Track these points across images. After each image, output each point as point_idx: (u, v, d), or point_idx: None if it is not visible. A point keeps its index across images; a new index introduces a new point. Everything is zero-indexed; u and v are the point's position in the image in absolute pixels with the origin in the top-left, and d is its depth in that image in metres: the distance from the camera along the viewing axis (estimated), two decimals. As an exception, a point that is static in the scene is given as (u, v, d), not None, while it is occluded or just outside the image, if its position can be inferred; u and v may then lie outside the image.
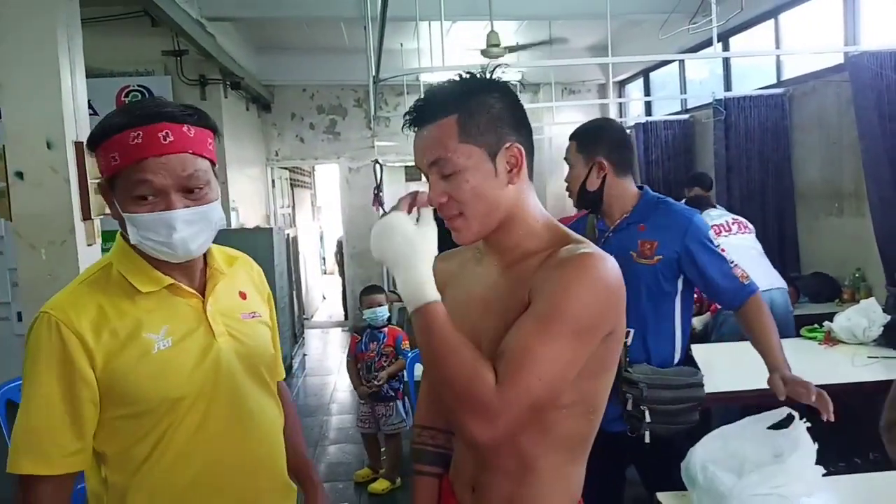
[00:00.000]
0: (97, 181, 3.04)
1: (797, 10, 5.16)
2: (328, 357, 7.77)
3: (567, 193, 2.28)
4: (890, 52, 3.83)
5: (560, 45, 7.51)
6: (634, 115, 8.27)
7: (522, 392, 1.04)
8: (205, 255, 1.34)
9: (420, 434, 1.43)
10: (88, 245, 3.04)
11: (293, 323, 7.49)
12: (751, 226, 4.17)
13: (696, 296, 2.33)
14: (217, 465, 1.29)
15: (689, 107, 6.83)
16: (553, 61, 7.54)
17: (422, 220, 1.14)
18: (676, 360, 2.17)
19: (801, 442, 1.64)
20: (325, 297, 11.75)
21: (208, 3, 5.50)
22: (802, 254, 5.08)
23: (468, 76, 1.19)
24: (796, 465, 1.61)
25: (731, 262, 2.16)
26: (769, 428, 1.73)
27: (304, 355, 7.70)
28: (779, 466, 1.61)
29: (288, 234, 7.57)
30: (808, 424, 1.67)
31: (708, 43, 4.13)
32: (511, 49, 6.47)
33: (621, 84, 8.66)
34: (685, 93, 7.01)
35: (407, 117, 1.19)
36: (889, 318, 3.35)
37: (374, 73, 4.54)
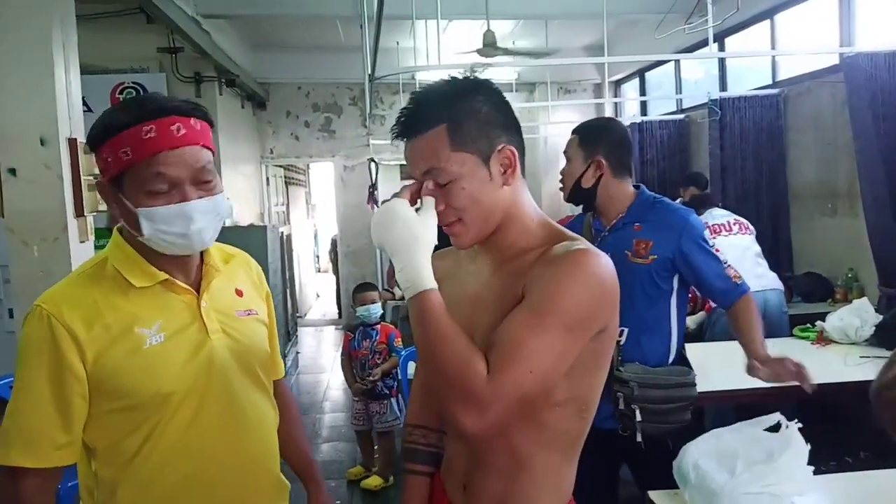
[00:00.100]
0: (90, 178, 3.06)
1: (793, 11, 5.18)
2: (322, 355, 7.77)
3: (559, 186, 2.28)
4: (885, 53, 3.84)
5: (556, 48, 7.51)
6: (630, 114, 8.28)
7: (513, 383, 1.04)
8: (201, 251, 1.34)
9: (412, 433, 1.43)
10: (81, 242, 3.03)
11: (287, 321, 7.48)
12: (752, 227, 4.19)
13: (689, 295, 2.33)
14: (209, 462, 1.29)
15: (684, 107, 6.84)
16: (549, 61, 7.54)
17: (423, 209, 1.14)
18: (671, 360, 2.18)
19: (792, 441, 1.64)
20: (318, 296, 11.74)
21: (204, 1, 5.48)
22: (796, 253, 5.10)
23: (451, 80, 1.19)
24: (788, 464, 1.61)
25: (725, 263, 2.18)
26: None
27: (298, 353, 7.69)
28: (770, 465, 1.61)
29: (282, 232, 7.57)
30: (800, 425, 1.68)
31: (704, 43, 4.13)
32: (507, 52, 6.45)
33: (617, 84, 8.67)
34: (681, 93, 7.02)
35: (395, 128, 1.18)
36: (881, 318, 3.37)
37: (369, 72, 4.54)
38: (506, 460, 1.18)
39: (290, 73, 8.25)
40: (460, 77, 1.20)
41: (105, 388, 1.22)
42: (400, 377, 3.95)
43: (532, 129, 7.82)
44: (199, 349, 1.29)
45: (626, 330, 2.10)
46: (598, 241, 2.19)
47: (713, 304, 3.64)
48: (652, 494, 1.84)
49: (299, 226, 10.85)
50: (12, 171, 2.92)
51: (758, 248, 4.10)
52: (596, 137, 2.20)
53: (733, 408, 3.47)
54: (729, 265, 2.19)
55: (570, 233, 1.21)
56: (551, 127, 8.02)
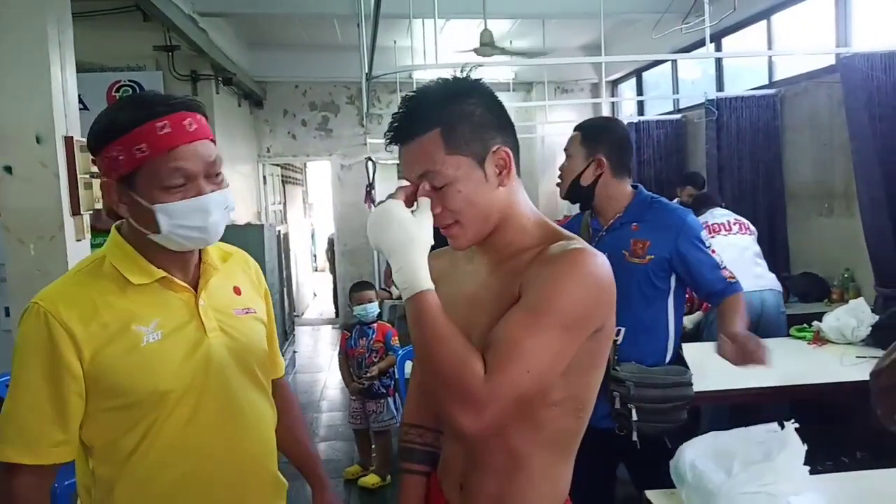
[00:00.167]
0: (87, 176, 3.05)
1: (789, 12, 5.18)
2: (318, 354, 7.76)
3: (557, 182, 2.28)
4: (881, 53, 3.85)
5: (553, 47, 7.51)
6: (627, 114, 8.28)
7: (510, 383, 1.04)
8: (199, 249, 1.34)
9: (408, 432, 1.43)
10: (77, 240, 3.03)
11: (283, 320, 7.48)
12: (753, 228, 4.20)
13: (686, 295, 2.34)
14: (207, 461, 1.29)
15: (681, 107, 6.84)
16: (546, 60, 7.55)
17: (419, 210, 1.14)
18: (668, 360, 2.18)
19: (789, 441, 1.65)
20: (315, 295, 11.74)
21: (201, -1, 5.48)
22: (792, 254, 5.11)
23: (443, 82, 1.19)
24: (784, 463, 1.61)
25: (721, 264, 2.18)
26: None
27: (295, 352, 7.69)
28: (767, 465, 1.61)
29: (279, 231, 7.56)
30: (797, 425, 1.68)
31: (700, 43, 4.14)
32: (504, 51, 6.45)
33: (614, 83, 8.68)
34: (677, 93, 7.02)
35: (388, 134, 1.18)
36: (877, 318, 3.37)
37: (367, 71, 4.53)
38: (502, 460, 1.18)
39: (287, 71, 8.23)
40: (452, 79, 1.20)
41: (102, 386, 1.21)
42: (397, 376, 3.95)
43: (529, 128, 7.82)
44: (197, 347, 1.28)
45: (623, 329, 2.10)
46: (596, 240, 2.19)
47: (710, 305, 3.64)
48: (649, 494, 1.84)
49: (296, 225, 10.84)
50: (8, 169, 2.91)
51: (757, 249, 4.11)
52: (598, 136, 2.21)
53: (729, 408, 3.49)
54: (725, 267, 2.19)
55: (566, 232, 1.21)
56: (548, 126, 8.02)
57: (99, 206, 3.15)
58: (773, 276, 4.03)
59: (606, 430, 2.04)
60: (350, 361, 4.18)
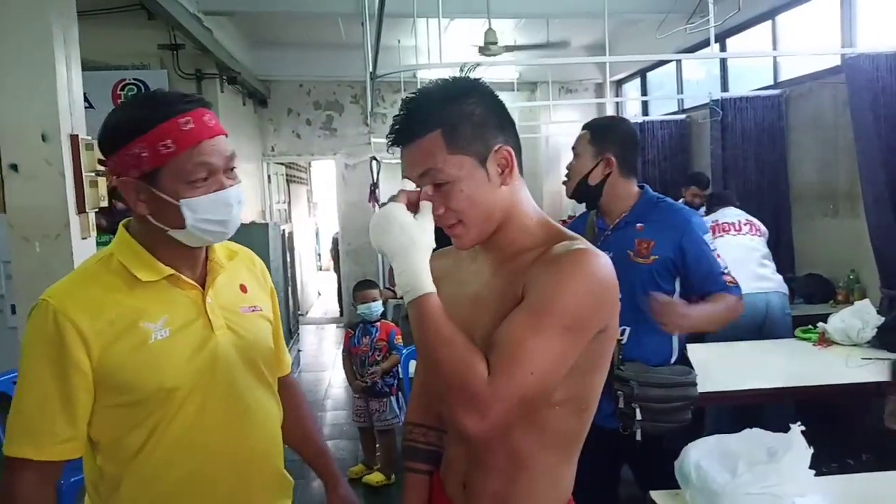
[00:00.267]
0: (92, 174, 3.06)
1: (794, 12, 5.18)
2: (323, 353, 7.77)
3: (563, 180, 2.27)
4: (886, 54, 3.84)
5: (558, 45, 7.50)
6: (631, 114, 8.27)
7: (514, 385, 1.04)
8: (206, 247, 1.34)
9: (411, 431, 1.43)
10: (83, 238, 3.04)
11: (288, 319, 7.48)
12: (763, 229, 4.18)
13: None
14: (213, 458, 1.29)
15: (685, 107, 6.84)
16: (550, 60, 7.54)
17: (421, 213, 1.14)
18: (673, 360, 2.18)
19: (794, 443, 1.64)
20: (320, 294, 11.74)
21: (205, -3, 5.48)
22: (797, 255, 5.10)
23: (443, 82, 1.19)
24: (789, 465, 1.61)
25: (725, 268, 2.16)
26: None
27: (299, 351, 7.69)
28: (772, 466, 1.61)
29: (283, 230, 7.56)
30: (803, 427, 1.68)
31: (705, 43, 4.12)
32: (509, 49, 6.45)
33: (618, 83, 8.67)
34: (682, 93, 7.02)
35: (390, 136, 1.18)
36: (883, 319, 3.36)
37: (371, 70, 4.54)
38: (505, 460, 1.18)
39: (291, 70, 8.24)
40: (452, 79, 1.20)
41: (110, 383, 1.22)
42: (401, 375, 3.95)
43: (533, 128, 7.81)
44: (204, 345, 1.29)
45: (627, 329, 2.10)
46: (601, 239, 2.19)
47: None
48: (653, 494, 1.84)
49: (301, 224, 10.85)
50: (14, 167, 2.93)
51: (766, 251, 4.09)
52: (607, 135, 2.20)
53: (733, 409, 3.48)
54: (728, 272, 2.17)
55: (569, 232, 1.21)
56: (553, 126, 8.00)
57: (104, 203, 3.16)
58: (780, 278, 4.01)
59: (611, 429, 2.04)
60: (353, 360, 4.18)
